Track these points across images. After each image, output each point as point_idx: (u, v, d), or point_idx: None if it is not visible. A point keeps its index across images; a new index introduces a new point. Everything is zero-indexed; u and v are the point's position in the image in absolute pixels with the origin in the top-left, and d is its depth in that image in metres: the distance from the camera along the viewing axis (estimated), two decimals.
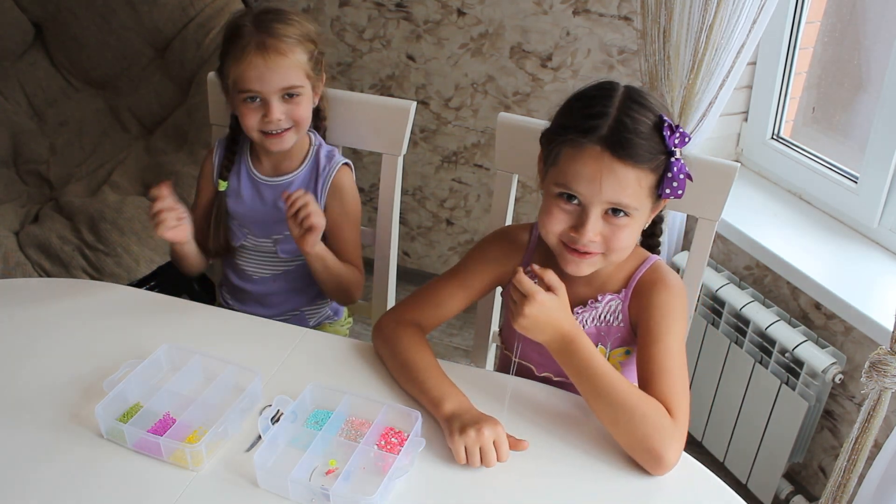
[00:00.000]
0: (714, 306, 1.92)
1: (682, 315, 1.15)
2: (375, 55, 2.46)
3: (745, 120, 2.06)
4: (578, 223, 1.08)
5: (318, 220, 1.31)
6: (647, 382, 1.09)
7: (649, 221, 1.17)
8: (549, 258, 1.18)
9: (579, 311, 1.20)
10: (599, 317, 1.20)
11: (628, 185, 1.05)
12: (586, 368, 1.06)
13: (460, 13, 2.28)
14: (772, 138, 2.03)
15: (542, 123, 1.18)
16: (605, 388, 1.05)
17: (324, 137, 1.51)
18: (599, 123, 1.05)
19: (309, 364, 1.25)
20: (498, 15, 2.24)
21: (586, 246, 1.09)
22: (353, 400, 1.12)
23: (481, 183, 2.52)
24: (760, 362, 1.81)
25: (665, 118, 1.06)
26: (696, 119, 1.73)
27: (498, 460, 1.05)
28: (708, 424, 2.01)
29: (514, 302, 1.05)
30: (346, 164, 1.46)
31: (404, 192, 2.61)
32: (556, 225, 1.10)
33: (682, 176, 1.07)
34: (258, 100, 1.34)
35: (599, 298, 1.19)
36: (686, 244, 2.02)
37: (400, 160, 1.52)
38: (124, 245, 2.01)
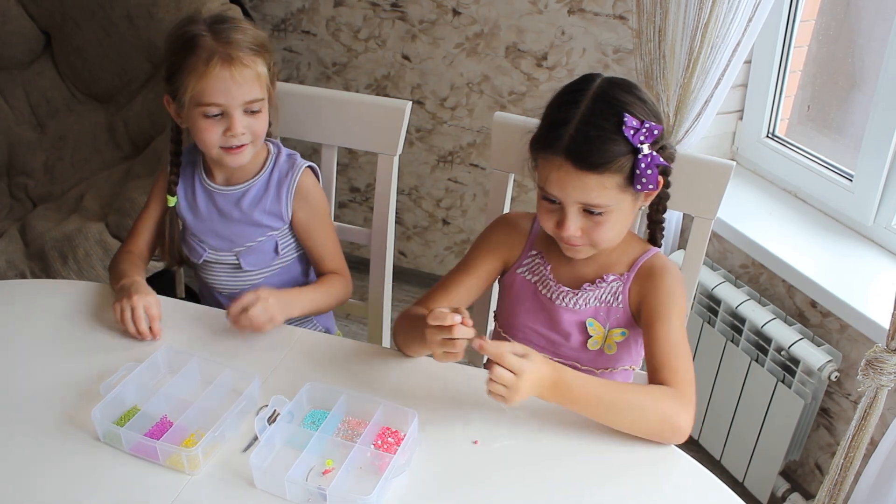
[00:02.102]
0: (710, 305, 1.92)
1: (684, 297, 1.21)
2: (371, 55, 2.46)
3: (741, 118, 2.07)
4: (560, 220, 1.15)
5: (262, 323, 1.26)
6: (654, 358, 1.14)
7: (644, 206, 1.21)
8: (551, 245, 1.25)
9: (587, 288, 1.24)
10: (601, 297, 1.24)
11: (592, 189, 1.10)
12: (585, 396, 1.07)
13: (455, 13, 2.28)
14: (767, 136, 2.04)
15: (538, 123, 1.19)
16: (610, 402, 1.08)
17: (275, 133, 1.48)
18: (561, 133, 1.10)
19: (305, 364, 1.24)
20: (493, 14, 2.24)
21: (570, 240, 1.16)
22: (350, 400, 1.12)
23: (477, 182, 2.53)
24: (756, 360, 1.81)
25: (626, 117, 1.08)
26: (691, 118, 1.74)
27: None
28: (704, 423, 2.01)
29: (505, 385, 1.00)
30: (309, 166, 1.44)
31: (400, 191, 2.61)
32: (546, 221, 1.18)
33: (650, 171, 1.10)
34: (220, 114, 1.31)
35: (605, 278, 1.23)
36: (682, 243, 2.02)
37: (396, 160, 1.52)
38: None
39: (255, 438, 1.08)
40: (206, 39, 1.28)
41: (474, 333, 1.04)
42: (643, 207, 1.23)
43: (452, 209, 2.62)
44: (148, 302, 1.27)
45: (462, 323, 1.03)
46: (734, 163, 1.31)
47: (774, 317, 1.79)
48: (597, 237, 1.15)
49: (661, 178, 1.17)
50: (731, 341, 1.87)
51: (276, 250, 1.45)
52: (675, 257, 1.96)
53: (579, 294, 1.24)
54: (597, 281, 1.24)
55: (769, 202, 1.97)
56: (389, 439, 1.08)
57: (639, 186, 1.11)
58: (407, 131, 1.51)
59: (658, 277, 1.21)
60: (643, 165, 1.09)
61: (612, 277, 1.23)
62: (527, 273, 1.28)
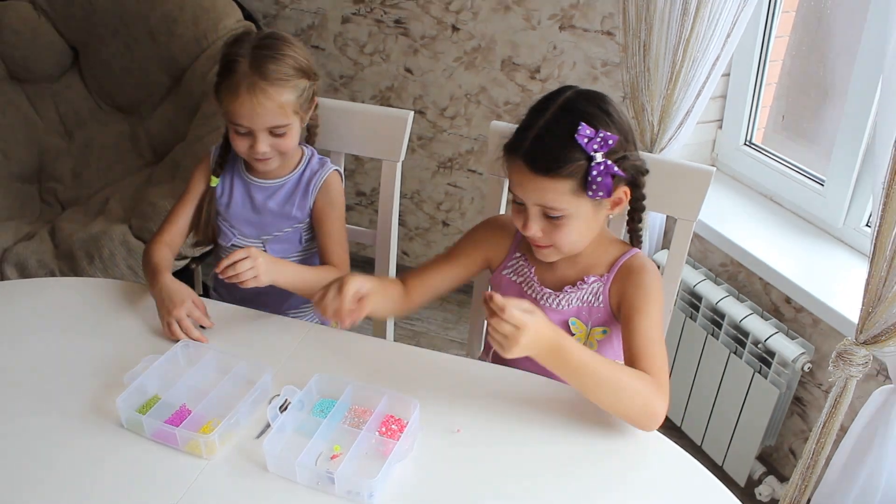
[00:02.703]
0: (692, 301, 1.92)
1: (660, 296, 1.19)
2: (376, 68, 2.46)
3: (720, 127, 2.07)
4: (525, 220, 1.14)
5: (248, 279, 1.23)
6: (631, 350, 1.12)
7: (615, 213, 1.19)
8: None
9: (568, 290, 1.22)
10: (583, 297, 1.23)
11: (547, 192, 1.10)
12: (580, 366, 1.04)
13: (455, 29, 2.28)
14: (745, 144, 2.04)
15: None
16: (600, 376, 1.05)
17: (314, 143, 1.50)
18: (524, 137, 1.11)
19: (314, 356, 1.25)
20: (490, 30, 2.24)
21: (533, 240, 1.16)
22: (356, 389, 1.12)
23: (475, 187, 2.52)
24: (735, 353, 1.81)
25: (580, 126, 1.07)
26: (674, 127, 1.74)
27: None
28: (686, 411, 2.01)
29: (505, 335, 0.99)
30: (336, 170, 1.47)
31: (403, 195, 2.61)
32: (516, 221, 1.18)
33: (600, 179, 1.08)
34: (247, 132, 1.33)
35: (585, 280, 1.22)
36: (666, 243, 2.02)
37: (399, 166, 1.52)
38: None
39: (268, 426, 1.08)
40: (242, 65, 1.29)
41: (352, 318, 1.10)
42: (611, 216, 1.20)
43: (452, 212, 2.62)
44: (188, 308, 1.26)
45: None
46: (714, 169, 1.31)
47: (752, 312, 1.79)
48: (557, 240, 1.14)
49: (627, 189, 1.15)
50: (712, 335, 1.87)
51: (300, 241, 1.47)
52: (659, 257, 1.96)
53: (561, 295, 1.23)
54: (577, 283, 1.22)
55: (747, 205, 1.97)
56: (393, 426, 1.08)
57: (590, 193, 1.09)
58: (409, 139, 1.51)
59: (636, 275, 1.19)
60: (595, 173, 1.08)
61: (592, 279, 1.22)
62: (512, 274, 1.28)
